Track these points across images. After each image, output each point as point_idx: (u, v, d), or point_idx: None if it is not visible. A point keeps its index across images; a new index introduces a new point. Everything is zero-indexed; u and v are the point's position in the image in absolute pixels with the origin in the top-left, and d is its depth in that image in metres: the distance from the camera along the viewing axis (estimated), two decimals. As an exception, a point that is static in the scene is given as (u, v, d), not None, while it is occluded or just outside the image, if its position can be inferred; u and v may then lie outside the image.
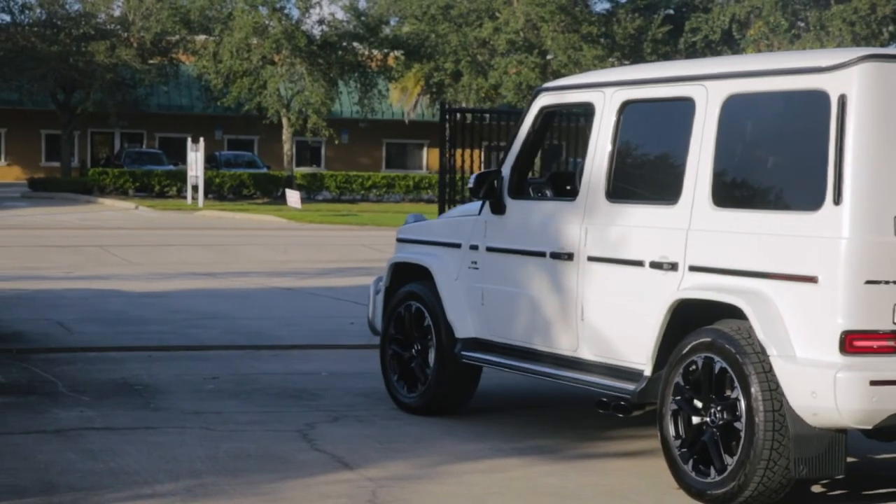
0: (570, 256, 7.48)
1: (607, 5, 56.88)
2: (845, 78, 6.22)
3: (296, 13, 46.73)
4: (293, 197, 38.74)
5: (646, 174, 7.48)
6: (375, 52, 49.47)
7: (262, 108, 45.57)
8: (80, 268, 18.82)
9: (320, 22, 47.78)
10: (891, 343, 6.15)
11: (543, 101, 8.05)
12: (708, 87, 6.88)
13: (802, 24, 52.50)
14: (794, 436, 6.26)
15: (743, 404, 6.35)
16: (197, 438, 7.74)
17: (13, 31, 50.96)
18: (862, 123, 6.17)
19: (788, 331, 6.28)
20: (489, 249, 8.18)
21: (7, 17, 51.69)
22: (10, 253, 21.47)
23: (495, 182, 8.06)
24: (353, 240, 26.58)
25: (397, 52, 50.45)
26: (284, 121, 46.00)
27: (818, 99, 6.32)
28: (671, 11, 56.74)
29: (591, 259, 7.36)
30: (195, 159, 40.95)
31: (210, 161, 47.51)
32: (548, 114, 8.13)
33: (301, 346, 11.67)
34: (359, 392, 9.40)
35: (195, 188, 41.01)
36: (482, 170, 9.80)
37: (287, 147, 46.76)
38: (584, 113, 7.65)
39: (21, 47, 50.11)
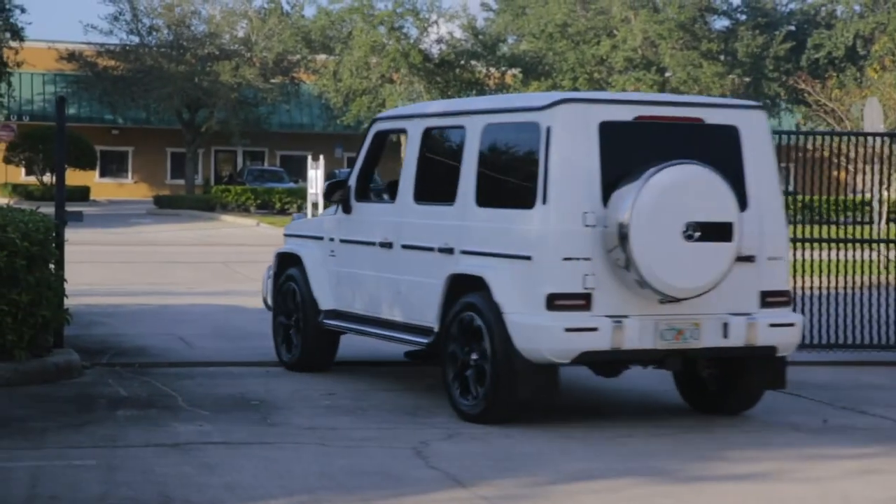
0: (390, 245, 9.95)
1: (727, 22, 56.13)
2: (550, 115, 8.66)
3: (414, 32, 46.99)
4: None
5: (437, 182, 9.71)
6: (493, 70, 49.52)
7: (381, 127, 45.89)
8: (203, 284, 19.15)
9: (438, 41, 48.01)
10: (581, 302, 8.51)
11: (378, 127, 10.68)
12: (474, 119, 9.36)
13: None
14: (520, 370, 8.58)
15: (488, 348, 8.69)
16: (312, 454, 7.80)
17: (141, 52, 52.23)
18: (559, 146, 8.57)
19: (515, 295, 8.61)
20: (341, 241, 10.66)
21: (136, 39, 53.00)
22: (137, 269, 21.97)
23: (344, 189, 10.56)
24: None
25: (515, 70, 50.43)
26: (402, 138, 46.32)
27: (535, 129, 8.73)
28: (793, 28, 55.80)
29: (403, 247, 9.81)
30: (315, 177, 41.31)
31: (330, 178, 47.96)
32: (381, 137, 10.64)
33: (418, 362, 11.67)
34: (473, 410, 9.38)
35: (315, 205, 41.46)
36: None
37: (405, 165, 47.04)
38: (405, 136, 10.18)
39: (149, 67, 51.34)
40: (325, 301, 10.71)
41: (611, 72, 51.83)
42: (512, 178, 9.03)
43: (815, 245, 13.15)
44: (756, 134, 9.08)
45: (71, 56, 52.62)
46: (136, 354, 11.71)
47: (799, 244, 12.96)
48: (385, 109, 45.71)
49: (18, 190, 49.39)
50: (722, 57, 52.55)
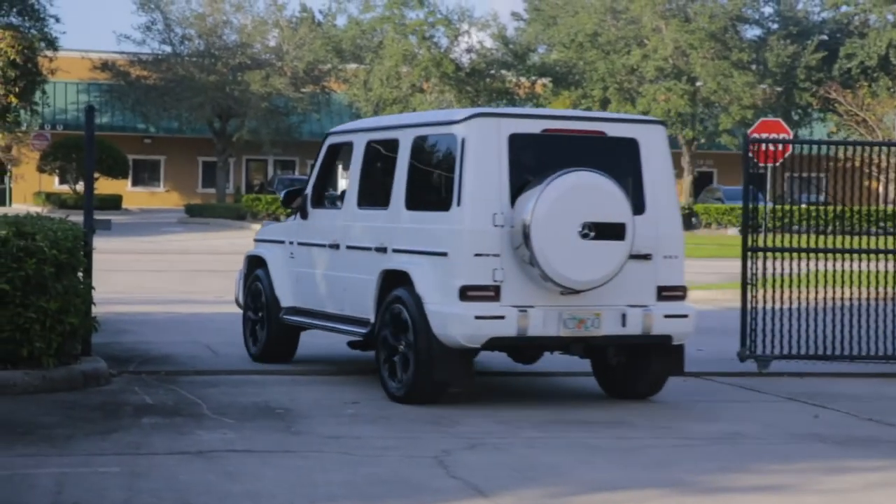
0: (337, 246, 11.01)
1: (758, 31, 55.91)
2: (464, 127, 9.70)
3: (445, 42, 47.07)
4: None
5: (376, 189, 10.76)
6: (523, 79, 49.48)
7: (412, 136, 45.98)
8: (232, 292, 19.17)
9: (468, 50, 48.06)
10: (491, 293, 9.50)
11: (330, 140, 11.69)
12: (406, 132, 10.40)
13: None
14: (437, 356, 9.58)
15: (412, 335, 9.67)
16: (335, 463, 7.82)
17: (173, 62, 52.54)
18: (472, 155, 9.59)
19: (433, 287, 9.63)
20: (299, 244, 11.68)
21: (168, 48, 53.32)
22: (167, 277, 22.10)
23: (302, 197, 11.63)
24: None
25: (545, 80, 50.38)
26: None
27: (453, 140, 9.79)
28: (825, 37, 55.49)
29: (347, 248, 10.86)
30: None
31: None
32: (334, 150, 11.66)
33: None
34: (498, 419, 9.41)
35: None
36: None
37: (435, 174, 47.12)
38: (351, 149, 11.19)
39: (180, 77, 51.64)
40: (286, 299, 11.70)
41: (641, 81, 51.72)
42: (434, 184, 10.11)
43: (846, 256, 13.08)
44: (654, 146, 10.09)
45: (104, 65, 53.00)
46: (162, 362, 11.78)
47: (830, 255, 12.90)
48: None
49: (52, 199, 49.75)
50: (753, 67, 52.34)
